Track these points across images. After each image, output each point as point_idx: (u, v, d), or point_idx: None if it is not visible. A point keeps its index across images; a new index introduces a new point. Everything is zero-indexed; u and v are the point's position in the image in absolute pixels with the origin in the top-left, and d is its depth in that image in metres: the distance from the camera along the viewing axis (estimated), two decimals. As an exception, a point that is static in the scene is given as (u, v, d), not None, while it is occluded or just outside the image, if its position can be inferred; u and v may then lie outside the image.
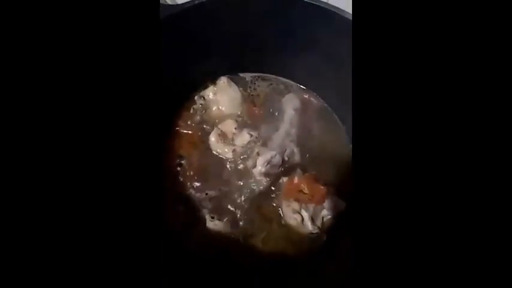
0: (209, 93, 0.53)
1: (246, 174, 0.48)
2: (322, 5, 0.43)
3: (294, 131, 0.51)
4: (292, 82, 0.57)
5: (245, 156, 0.49)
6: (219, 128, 0.51)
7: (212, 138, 0.50)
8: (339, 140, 0.52)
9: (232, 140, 0.50)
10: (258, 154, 0.48)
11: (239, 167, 0.49)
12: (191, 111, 0.53)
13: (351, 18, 0.42)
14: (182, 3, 0.45)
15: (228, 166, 0.49)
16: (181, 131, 0.51)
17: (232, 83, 0.54)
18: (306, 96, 0.55)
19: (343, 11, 0.43)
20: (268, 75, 0.57)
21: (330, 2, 0.44)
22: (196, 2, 0.44)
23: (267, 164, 0.46)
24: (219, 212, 0.46)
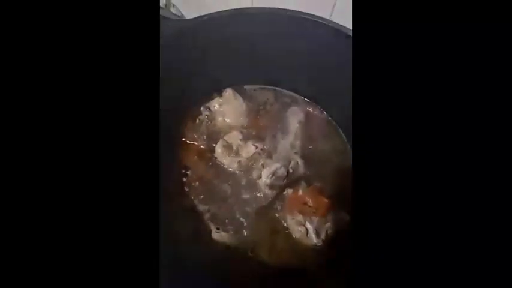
0: (215, 104, 0.54)
1: (251, 185, 0.49)
2: (324, 22, 0.44)
3: (298, 143, 0.51)
4: (296, 95, 0.57)
5: (250, 168, 0.49)
6: (224, 140, 0.51)
7: (218, 149, 0.50)
8: (343, 153, 0.52)
9: (238, 151, 0.50)
10: (263, 166, 0.48)
11: (244, 179, 0.49)
12: (197, 121, 0.54)
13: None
14: (190, 19, 0.47)
15: (233, 177, 0.49)
16: (188, 141, 0.52)
17: (238, 95, 0.55)
18: (310, 109, 0.56)
19: (346, 27, 0.44)
20: (273, 87, 0.58)
21: (331, 19, 0.45)
22: (205, 17, 0.46)
23: (272, 176, 0.47)
24: (224, 223, 0.47)
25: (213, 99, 0.55)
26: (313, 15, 0.45)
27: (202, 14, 0.45)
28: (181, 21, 0.47)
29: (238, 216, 0.47)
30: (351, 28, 0.43)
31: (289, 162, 0.49)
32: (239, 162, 0.49)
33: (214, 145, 0.51)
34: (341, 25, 0.44)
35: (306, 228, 0.45)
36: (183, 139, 0.52)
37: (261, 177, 0.48)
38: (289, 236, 0.46)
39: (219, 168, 0.50)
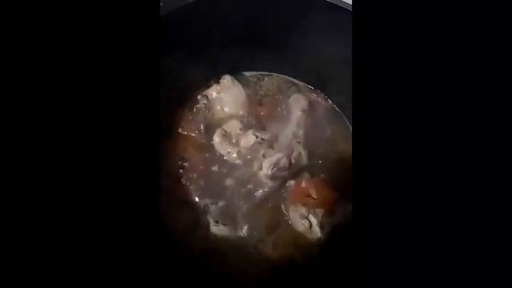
0: (212, 92, 0.52)
1: (251, 177, 0.46)
2: (333, 2, 0.41)
3: (301, 132, 0.49)
4: (299, 81, 0.55)
5: (250, 158, 0.47)
6: (223, 129, 0.49)
7: (216, 139, 0.48)
8: (348, 142, 0.50)
9: (237, 141, 0.48)
10: (264, 156, 0.46)
11: (244, 170, 0.47)
12: (194, 110, 0.51)
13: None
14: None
15: (232, 168, 0.47)
16: (184, 131, 0.50)
17: (237, 82, 0.52)
18: (314, 97, 0.53)
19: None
20: (275, 74, 0.55)
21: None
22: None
23: (274, 167, 0.45)
24: (223, 216, 0.45)
25: (210, 86, 0.52)
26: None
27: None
28: (174, 1, 0.43)
29: (238, 209, 0.45)
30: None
31: (292, 152, 0.47)
32: (238, 152, 0.47)
33: (212, 135, 0.48)
34: (349, 4, 0.41)
35: (310, 222, 0.43)
36: (179, 129, 0.50)
37: (262, 169, 0.46)
38: (292, 229, 0.44)
39: (217, 159, 0.48)
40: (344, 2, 0.41)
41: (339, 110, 0.53)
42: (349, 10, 0.41)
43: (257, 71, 0.55)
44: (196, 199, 0.46)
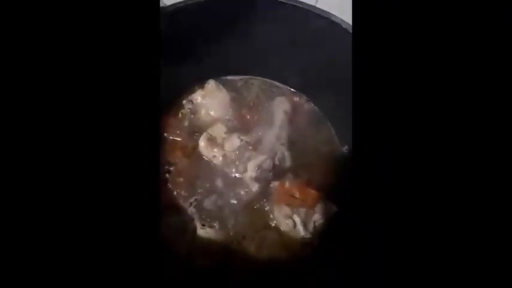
0: (197, 96, 0.52)
1: (236, 179, 0.47)
2: (310, 9, 0.43)
3: (284, 134, 0.50)
4: (282, 85, 0.56)
5: (235, 161, 0.48)
6: (208, 133, 0.50)
7: (201, 143, 0.49)
8: (330, 144, 0.52)
9: (222, 144, 0.49)
10: (248, 159, 0.47)
11: (229, 172, 0.48)
12: (179, 115, 0.52)
13: (339, 22, 0.42)
14: (169, 5, 0.44)
15: (218, 171, 0.48)
16: (170, 136, 0.50)
17: (221, 86, 0.53)
18: (297, 100, 0.55)
19: (332, 14, 0.42)
20: (258, 77, 0.56)
21: (317, 5, 0.44)
22: (183, 4, 0.43)
23: (258, 169, 0.46)
24: (209, 219, 0.45)
25: (195, 91, 0.53)
26: (300, 1, 0.43)
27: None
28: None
29: (223, 211, 0.46)
30: (337, 15, 0.42)
31: (276, 154, 0.48)
32: (224, 155, 0.48)
33: (197, 139, 0.49)
34: (327, 12, 0.42)
35: (294, 221, 0.45)
36: (165, 134, 0.50)
37: (246, 171, 0.46)
38: (277, 229, 0.46)
39: (203, 163, 0.49)
40: (323, 10, 0.43)
41: (321, 113, 0.55)
42: (327, 18, 0.42)
43: (241, 75, 0.56)
44: (183, 203, 0.46)
